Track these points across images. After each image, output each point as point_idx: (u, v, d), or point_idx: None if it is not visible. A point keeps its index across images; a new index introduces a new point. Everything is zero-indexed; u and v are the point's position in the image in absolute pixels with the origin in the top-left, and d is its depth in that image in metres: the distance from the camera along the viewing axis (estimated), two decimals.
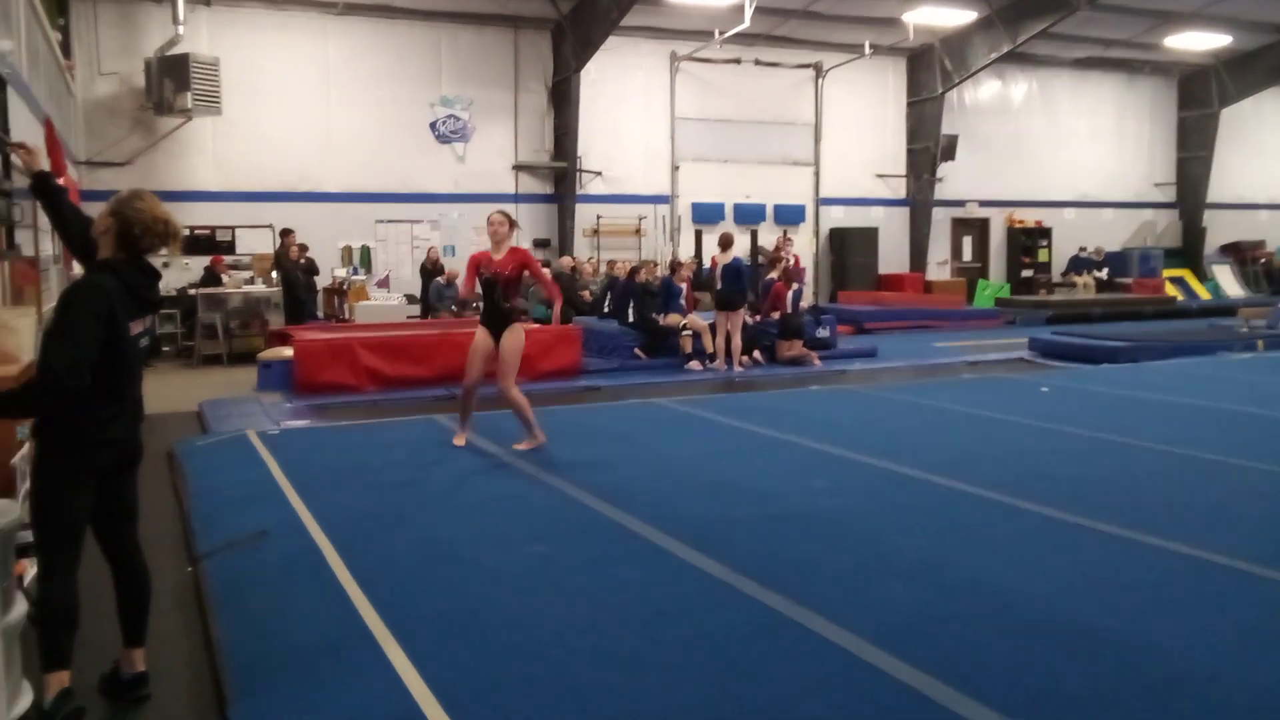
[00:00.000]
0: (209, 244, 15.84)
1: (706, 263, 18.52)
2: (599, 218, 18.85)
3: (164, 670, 3.77)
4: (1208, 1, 19.58)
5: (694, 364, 12.42)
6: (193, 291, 14.52)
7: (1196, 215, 24.38)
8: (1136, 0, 18.97)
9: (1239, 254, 24.89)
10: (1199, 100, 24.03)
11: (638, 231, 19.19)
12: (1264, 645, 3.65)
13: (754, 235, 19.95)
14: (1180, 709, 3.21)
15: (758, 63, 19.91)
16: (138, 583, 3.61)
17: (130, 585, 3.60)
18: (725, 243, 12.65)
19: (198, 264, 15.42)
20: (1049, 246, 23.16)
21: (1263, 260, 24.89)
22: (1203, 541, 4.80)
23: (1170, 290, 22.31)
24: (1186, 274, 23.72)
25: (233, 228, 16.04)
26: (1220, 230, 24.83)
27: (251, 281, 14.87)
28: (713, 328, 12.54)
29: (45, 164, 4.52)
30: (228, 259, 15.49)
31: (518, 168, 18.26)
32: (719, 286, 12.40)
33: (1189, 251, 24.35)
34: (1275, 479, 6.19)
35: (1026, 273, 22.81)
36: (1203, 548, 4.71)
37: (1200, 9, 19.92)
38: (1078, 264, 22.77)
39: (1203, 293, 23.33)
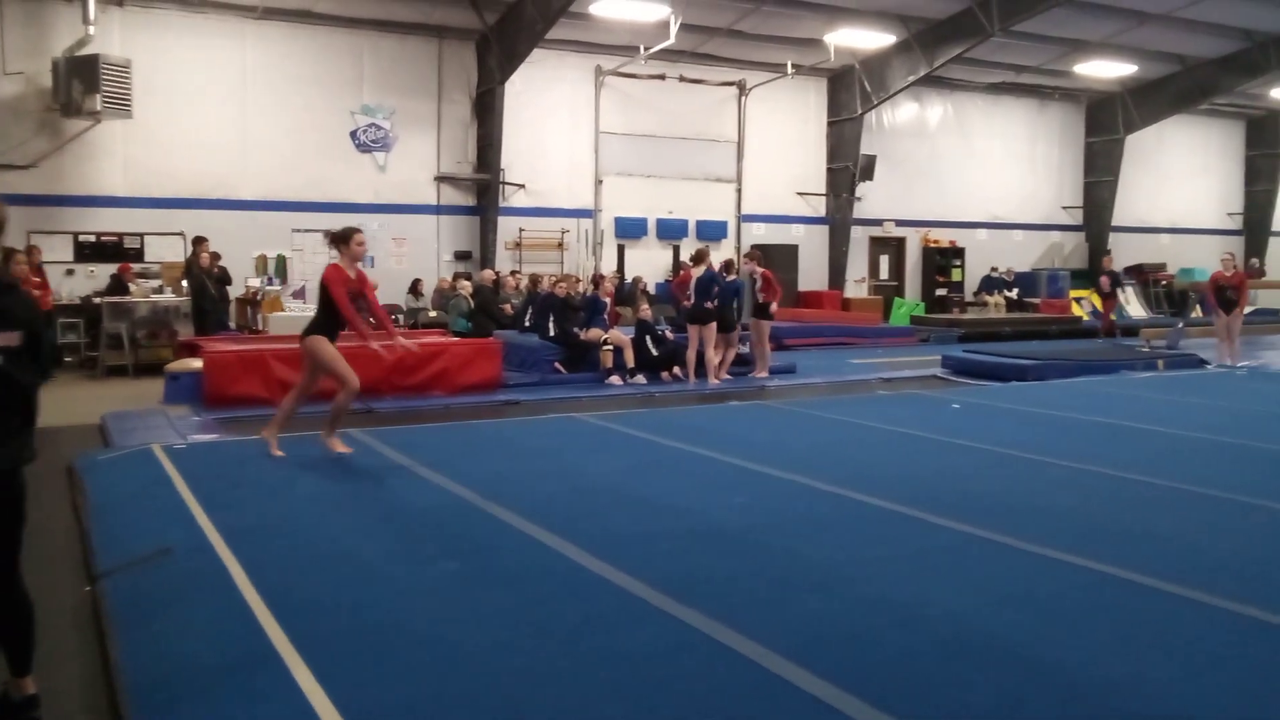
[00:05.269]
0: (116, 251, 15.40)
1: (629, 276, 18.69)
2: (521, 231, 18.78)
3: (60, 692, 3.63)
4: (1114, 31, 20.34)
5: (614, 379, 12.42)
6: (98, 300, 14.08)
7: (1102, 238, 25.23)
8: (1047, 28, 19.61)
9: (1141, 276, 25.81)
10: (1105, 126, 24.91)
11: (560, 245, 19.17)
12: (1161, 656, 3.77)
13: (676, 251, 20.08)
14: (1077, 718, 3.30)
15: (682, 79, 20.08)
16: (18, 614, 3.38)
17: (10, 617, 3.37)
18: (699, 257, 12.83)
19: (104, 271, 14.97)
20: (962, 266, 23.75)
21: (1164, 282, 25.84)
22: (1107, 556, 4.93)
23: (1076, 310, 23.01)
24: (1092, 295, 24.50)
25: (142, 234, 15.63)
26: (1124, 253, 25.73)
27: (160, 290, 14.46)
28: (655, 340, 12.56)
29: None
30: (135, 267, 15.07)
31: (440, 179, 18.10)
32: (691, 300, 12.47)
33: (1094, 273, 25.16)
34: (1177, 494, 6.40)
35: (940, 291, 23.34)
36: (1107, 562, 4.84)
37: (1108, 39, 20.69)
38: (989, 284, 23.38)
39: None
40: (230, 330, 14.40)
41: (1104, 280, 20.46)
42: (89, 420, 9.54)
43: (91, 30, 14.19)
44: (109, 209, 15.46)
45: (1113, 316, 20.87)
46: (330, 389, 7.52)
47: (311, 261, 17.00)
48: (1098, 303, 21.68)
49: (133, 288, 14.30)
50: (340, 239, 7.40)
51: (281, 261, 16.72)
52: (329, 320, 7.29)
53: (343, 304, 7.22)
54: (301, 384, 7.58)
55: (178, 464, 7.14)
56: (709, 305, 12.30)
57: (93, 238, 15.38)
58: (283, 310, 15.36)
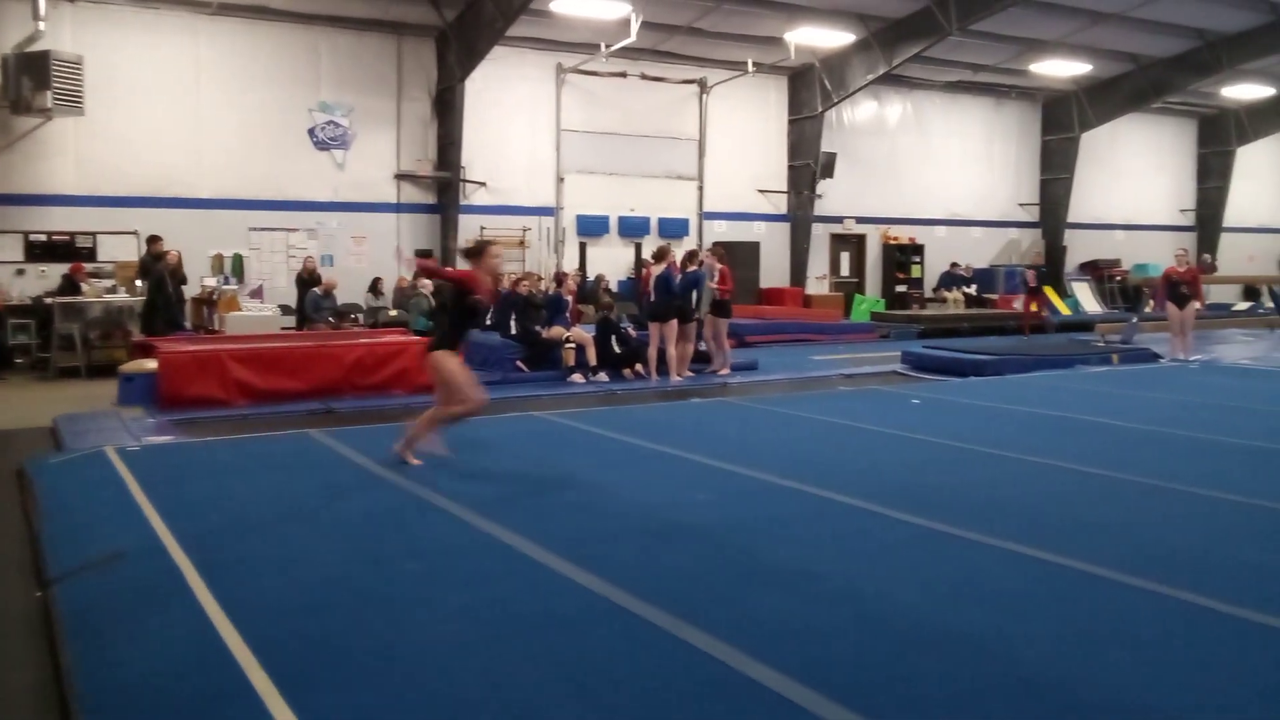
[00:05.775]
0: (68, 250, 15.12)
1: (597, 273, 18.65)
2: (482, 229, 18.64)
3: (8, 701, 3.56)
4: (1070, 31, 20.60)
5: (576, 377, 12.40)
6: (49, 300, 13.82)
7: (1058, 234, 25.55)
8: (1004, 28, 19.81)
9: (1097, 272, 26.17)
10: (1061, 125, 25.22)
11: (522, 243, 19.08)
12: (1118, 647, 3.82)
13: (638, 249, 20.07)
14: (1032, 709, 3.33)
15: (643, 77, 20.07)
16: None
17: None
18: (660, 255, 12.86)
19: (55, 271, 14.70)
20: (921, 263, 23.94)
21: (1119, 278, 26.23)
22: (1065, 549, 4.99)
23: (1033, 306, 23.23)
24: (1048, 290, 24.76)
25: (94, 233, 15.34)
26: (1079, 249, 26.08)
27: (113, 290, 14.21)
28: (619, 339, 12.52)
29: None
30: (88, 266, 14.81)
31: (400, 177, 17.96)
32: (651, 298, 12.47)
33: (1051, 269, 25.49)
34: (1132, 487, 6.49)
35: (900, 288, 23.51)
36: (1065, 555, 4.90)
37: (1063, 38, 20.95)
38: (948, 280, 23.57)
39: (1063, 309, 24.40)
40: (185, 330, 14.19)
41: (1030, 274, 20.80)
42: (40, 423, 9.37)
43: (42, 26, 13.90)
44: (60, 208, 15.18)
45: (1042, 312, 21.09)
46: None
47: (269, 260, 16.81)
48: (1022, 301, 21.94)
49: (85, 288, 14.07)
50: (475, 252, 7.10)
51: (238, 260, 16.51)
52: (455, 332, 7.00)
53: (484, 287, 7.01)
54: (440, 399, 7.11)
55: (131, 467, 7.03)
56: (678, 301, 12.33)
57: (44, 237, 15.09)
58: (239, 310, 15.15)
